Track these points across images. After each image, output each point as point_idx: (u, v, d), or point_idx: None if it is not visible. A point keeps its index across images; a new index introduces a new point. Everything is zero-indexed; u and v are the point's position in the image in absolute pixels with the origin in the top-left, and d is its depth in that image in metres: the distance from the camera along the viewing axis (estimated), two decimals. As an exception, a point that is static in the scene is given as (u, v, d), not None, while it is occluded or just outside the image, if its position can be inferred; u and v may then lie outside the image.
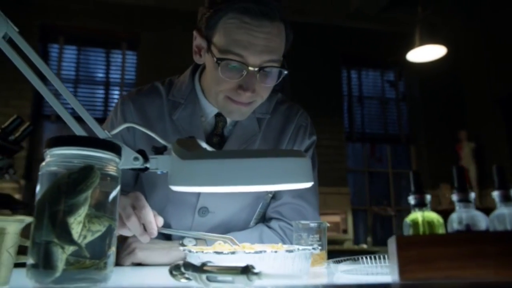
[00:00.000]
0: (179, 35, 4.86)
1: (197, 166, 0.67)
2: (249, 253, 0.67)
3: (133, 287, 0.63)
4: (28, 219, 0.62)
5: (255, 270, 0.49)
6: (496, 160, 4.78)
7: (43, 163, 0.57)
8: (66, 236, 0.52)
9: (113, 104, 5.00)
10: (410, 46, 3.97)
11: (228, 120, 1.09)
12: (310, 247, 0.73)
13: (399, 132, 5.33)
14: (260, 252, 0.67)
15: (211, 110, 1.08)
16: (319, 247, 0.87)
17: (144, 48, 4.86)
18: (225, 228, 1.05)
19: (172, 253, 0.96)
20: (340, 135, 4.93)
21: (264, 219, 1.12)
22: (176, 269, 0.59)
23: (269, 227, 1.06)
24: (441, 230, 0.48)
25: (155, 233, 0.86)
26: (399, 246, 0.44)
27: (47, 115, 4.60)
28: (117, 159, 0.58)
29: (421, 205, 0.49)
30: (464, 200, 0.47)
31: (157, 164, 0.74)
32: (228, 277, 0.50)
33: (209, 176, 0.67)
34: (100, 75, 4.97)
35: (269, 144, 1.09)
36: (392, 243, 0.47)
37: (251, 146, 1.07)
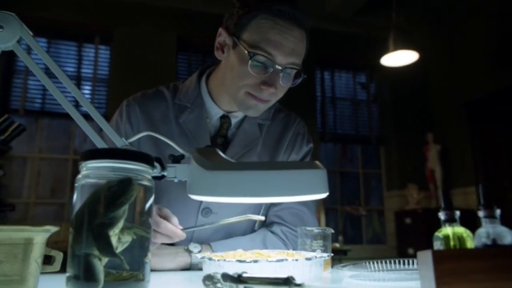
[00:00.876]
0: (155, 31, 4.81)
1: (221, 177, 0.69)
2: (271, 261, 0.69)
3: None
4: (54, 229, 0.62)
5: (297, 281, 0.51)
6: (460, 161, 4.99)
7: (80, 176, 0.57)
8: (108, 248, 0.52)
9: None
10: (383, 50, 4.09)
11: (233, 122, 1.12)
12: (325, 254, 0.77)
13: (369, 133, 5.47)
14: (282, 260, 0.69)
15: (216, 112, 1.11)
16: (332, 254, 0.90)
17: (118, 43, 4.77)
18: (228, 230, 1.07)
19: (178, 258, 0.98)
20: (314, 136, 5.00)
21: (264, 223, 1.14)
22: (208, 279, 0.60)
23: (272, 232, 1.08)
24: (470, 243, 0.52)
25: (183, 234, 0.91)
26: (435, 260, 0.48)
27: (14, 109, 4.45)
28: (150, 170, 0.59)
29: (451, 220, 0.53)
30: (491, 216, 0.52)
31: (176, 172, 0.75)
32: (269, 288, 0.53)
33: (233, 187, 0.69)
34: (71, 69, 4.84)
35: (269, 149, 1.13)
36: (424, 256, 0.50)
37: (253, 150, 1.10)
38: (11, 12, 0.76)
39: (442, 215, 0.54)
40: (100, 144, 0.74)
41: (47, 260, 0.63)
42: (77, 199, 0.56)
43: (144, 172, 0.58)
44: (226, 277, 0.56)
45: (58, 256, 0.64)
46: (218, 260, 0.71)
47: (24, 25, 0.77)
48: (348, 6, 4.91)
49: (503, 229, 0.51)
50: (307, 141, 1.19)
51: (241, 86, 1.00)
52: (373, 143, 5.46)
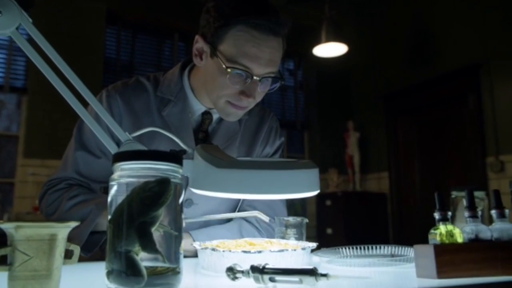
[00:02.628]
0: (80, 1, 4.53)
1: (231, 175, 0.74)
2: (274, 251, 0.76)
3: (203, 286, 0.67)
4: (74, 224, 0.63)
5: (321, 272, 0.59)
6: (375, 149, 5.42)
7: (115, 175, 0.59)
8: (151, 246, 0.55)
9: (-1, 69, 4.48)
10: (313, 39, 4.27)
11: (214, 118, 1.14)
12: (315, 244, 0.85)
13: (295, 119, 5.69)
14: (282, 251, 0.77)
15: (198, 108, 1.13)
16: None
17: (40, 9, 4.41)
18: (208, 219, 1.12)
19: None
20: (243, 119, 5.10)
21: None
22: (229, 270, 0.66)
23: (247, 221, 1.15)
24: (459, 238, 0.63)
25: None
26: (436, 253, 0.58)
27: None
28: (180, 170, 0.62)
29: (444, 219, 0.64)
30: (474, 216, 0.63)
31: (179, 167, 0.78)
32: (296, 278, 0.60)
33: (240, 185, 0.74)
34: (-17, 34, 4.39)
35: (246, 143, 1.18)
36: (424, 249, 0.61)
37: (233, 144, 1.15)
38: (10, -3, 0.72)
39: (437, 215, 0.65)
40: (109, 145, 0.75)
41: (66, 254, 0.64)
42: (114, 197, 0.58)
43: (175, 172, 0.61)
44: (254, 269, 0.62)
45: (76, 250, 0.65)
46: (223, 251, 0.76)
47: (23, 12, 0.74)
48: (282, -6, 5.02)
49: (483, 227, 0.63)
50: (279, 135, 1.26)
51: (221, 95, 1.03)
52: (298, 128, 5.70)
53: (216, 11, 0.99)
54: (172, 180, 0.59)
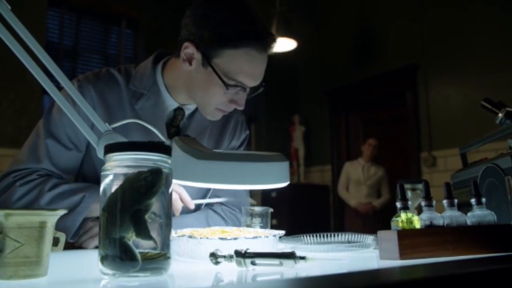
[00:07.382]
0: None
1: (212, 166, 0.78)
2: (249, 238, 0.81)
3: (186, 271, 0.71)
4: (62, 212, 0.65)
5: (300, 255, 0.65)
6: (319, 143, 5.62)
7: (107, 165, 0.61)
8: (146, 232, 0.59)
9: None
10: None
11: (186, 113, 1.16)
12: (283, 231, 0.91)
13: (243, 111, 5.74)
14: (256, 237, 0.82)
15: (171, 104, 1.14)
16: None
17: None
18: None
19: None
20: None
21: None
22: (212, 255, 0.70)
23: (213, 211, 1.19)
24: (417, 224, 0.72)
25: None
26: (399, 237, 0.66)
27: None
28: (169, 160, 0.65)
29: (405, 208, 0.72)
30: (429, 205, 0.72)
31: (157, 159, 0.81)
32: (276, 261, 0.65)
33: (221, 175, 0.79)
34: None
35: (214, 137, 1.22)
36: (387, 234, 0.69)
37: (203, 138, 1.17)
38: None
39: (398, 204, 0.73)
40: (89, 136, 0.77)
41: (53, 241, 0.65)
42: (107, 186, 0.60)
43: (165, 162, 0.64)
44: (237, 253, 0.66)
45: (62, 237, 0.66)
46: (201, 238, 0.80)
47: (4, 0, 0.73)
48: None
49: (436, 214, 0.72)
50: (245, 128, 1.31)
51: (212, 103, 1.07)
52: (246, 121, 5.75)
53: (216, 27, 1.00)
54: (163, 170, 0.62)
